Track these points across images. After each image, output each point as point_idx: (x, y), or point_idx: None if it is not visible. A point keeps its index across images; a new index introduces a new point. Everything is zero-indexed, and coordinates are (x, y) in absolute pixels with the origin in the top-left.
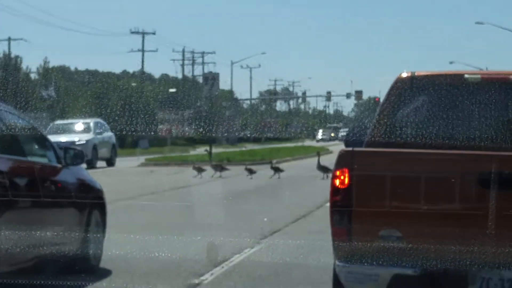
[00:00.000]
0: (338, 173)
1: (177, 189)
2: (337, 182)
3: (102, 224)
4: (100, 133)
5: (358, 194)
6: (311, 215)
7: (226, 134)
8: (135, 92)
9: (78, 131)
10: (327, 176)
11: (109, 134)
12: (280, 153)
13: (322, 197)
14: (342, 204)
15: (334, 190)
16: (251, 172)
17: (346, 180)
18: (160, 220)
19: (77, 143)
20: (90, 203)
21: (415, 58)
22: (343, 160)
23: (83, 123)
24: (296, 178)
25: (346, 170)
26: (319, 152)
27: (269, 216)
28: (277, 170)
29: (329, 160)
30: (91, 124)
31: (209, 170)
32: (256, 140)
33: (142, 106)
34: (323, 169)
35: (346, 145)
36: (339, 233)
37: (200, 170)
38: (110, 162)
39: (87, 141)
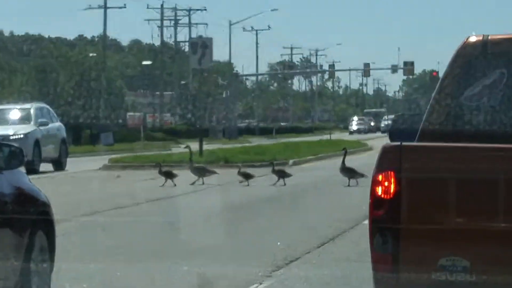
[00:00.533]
0: (380, 177)
1: (154, 201)
2: (380, 190)
3: (49, 250)
4: (45, 124)
5: (409, 207)
6: (343, 237)
7: (223, 124)
8: (94, 66)
9: (13, 120)
10: (357, 182)
11: (56, 125)
12: (299, 151)
13: (358, 212)
14: (386, 221)
15: (376, 202)
16: (246, 177)
17: (392, 188)
18: (132, 243)
19: (11, 137)
20: (32, 221)
21: (484, 19)
22: (387, 160)
23: (20, 109)
24: (321, 184)
25: (392, 174)
26: (345, 149)
27: (284, 239)
28: (281, 174)
29: (367, 160)
30: (32, 111)
31: (185, 176)
32: (265, 132)
33: (104, 85)
34: (348, 171)
35: (392, 138)
36: (383, 261)
37: (169, 175)
38: (58, 164)
39: (26, 134)
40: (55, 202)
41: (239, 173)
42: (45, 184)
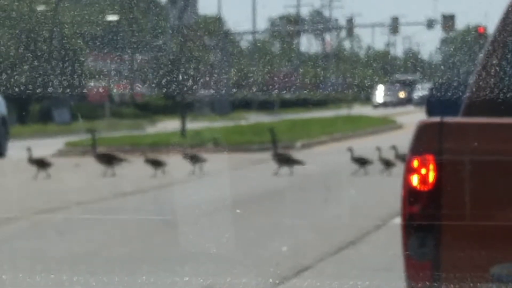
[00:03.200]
0: (416, 163)
1: (124, 196)
2: (415, 179)
3: None
4: None
5: (453, 200)
6: (366, 240)
7: (211, 95)
8: (44, 22)
9: None
10: (365, 172)
11: None
12: (309, 130)
13: (386, 208)
14: (424, 219)
15: (410, 195)
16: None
17: (431, 176)
18: (95, 250)
19: None
20: None
21: None
22: (425, 140)
23: None
24: (337, 173)
25: (431, 158)
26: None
27: (291, 243)
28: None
29: (395, 142)
30: None
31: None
32: (265, 106)
33: (57, 46)
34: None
35: (430, 113)
36: (419, 268)
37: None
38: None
39: None
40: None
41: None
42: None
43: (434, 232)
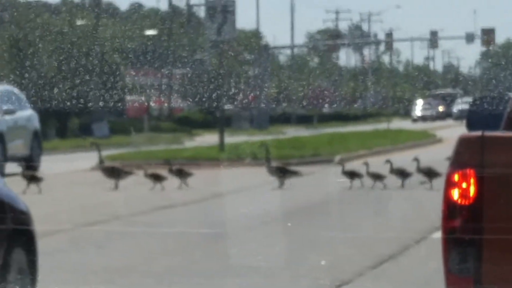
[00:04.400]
0: (456, 177)
1: (164, 209)
2: (456, 193)
3: (30, 272)
4: (11, 112)
5: (495, 214)
6: (406, 254)
7: (249, 110)
8: (84, 37)
9: None
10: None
11: (27, 113)
12: (348, 144)
13: (426, 222)
14: (465, 234)
15: (451, 209)
16: (157, 178)
17: (472, 190)
18: (137, 263)
19: None
20: (7, 235)
21: None
22: (465, 154)
23: None
24: (376, 187)
25: (472, 172)
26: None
27: (330, 256)
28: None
29: (435, 156)
30: None
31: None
32: (304, 120)
33: (96, 61)
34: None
35: (470, 127)
36: (460, 283)
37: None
38: (29, 164)
39: None
40: (37, 212)
41: (147, 175)
42: (19, 189)
43: (475, 247)
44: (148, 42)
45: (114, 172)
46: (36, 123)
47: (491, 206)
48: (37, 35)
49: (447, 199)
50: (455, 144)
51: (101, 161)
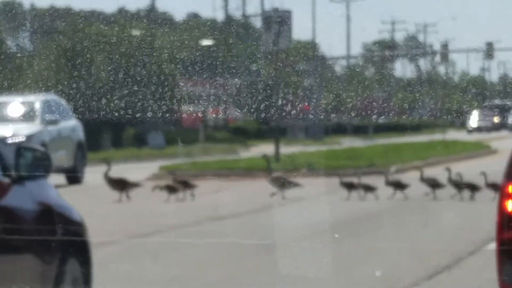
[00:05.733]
0: (511, 188)
1: (220, 220)
2: (510, 205)
3: (84, 282)
4: (55, 122)
5: None
6: (460, 265)
7: (305, 120)
8: (139, 47)
9: (12, 117)
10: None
11: (71, 123)
12: (403, 155)
13: (481, 233)
14: None
15: (505, 220)
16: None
17: None
18: (195, 273)
19: (9, 140)
20: (62, 245)
21: None
22: None
23: (22, 102)
24: (432, 198)
25: None
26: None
27: (385, 267)
28: (280, 183)
29: (490, 167)
30: (37, 105)
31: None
32: (359, 131)
33: (152, 71)
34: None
35: None
36: None
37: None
38: (73, 175)
39: (29, 136)
40: (91, 222)
41: (160, 187)
42: (72, 199)
43: None
44: (204, 52)
45: (120, 184)
46: (80, 134)
47: None
48: (87, 45)
49: (502, 210)
50: (509, 155)
51: (107, 173)
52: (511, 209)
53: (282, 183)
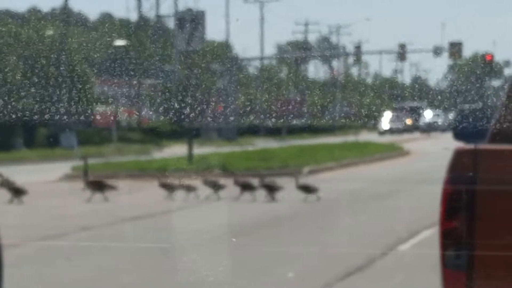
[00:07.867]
0: (453, 186)
1: (134, 220)
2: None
3: None
4: None
5: (487, 219)
6: (372, 267)
7: (218, 122)
8: (52, 47)
9: None
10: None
11: None
12: (317, 156)
13: (391, 235)
14: (459, 236)
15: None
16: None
17: (466, 197)
18: (105, 276)
19: None
20: None
21: None
22: (461, 165)
23: None
24: (344, 200)
25: (466, 184)
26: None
27: (298, 268)
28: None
29: (405, 169)
30: None
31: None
32: (273, 132)
33: (65, 71)
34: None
35: (458, 138)
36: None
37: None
38: None
39: None
40: (1, 223)
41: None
42: None
43: (468, 247)
44: (117, 52)
45: (98, 186)
46: None
47: (484, 211)
48: (4, 45)
49: (445, 204)
50: (452, 155)
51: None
52: (452, 203)
53: (99, 187)
